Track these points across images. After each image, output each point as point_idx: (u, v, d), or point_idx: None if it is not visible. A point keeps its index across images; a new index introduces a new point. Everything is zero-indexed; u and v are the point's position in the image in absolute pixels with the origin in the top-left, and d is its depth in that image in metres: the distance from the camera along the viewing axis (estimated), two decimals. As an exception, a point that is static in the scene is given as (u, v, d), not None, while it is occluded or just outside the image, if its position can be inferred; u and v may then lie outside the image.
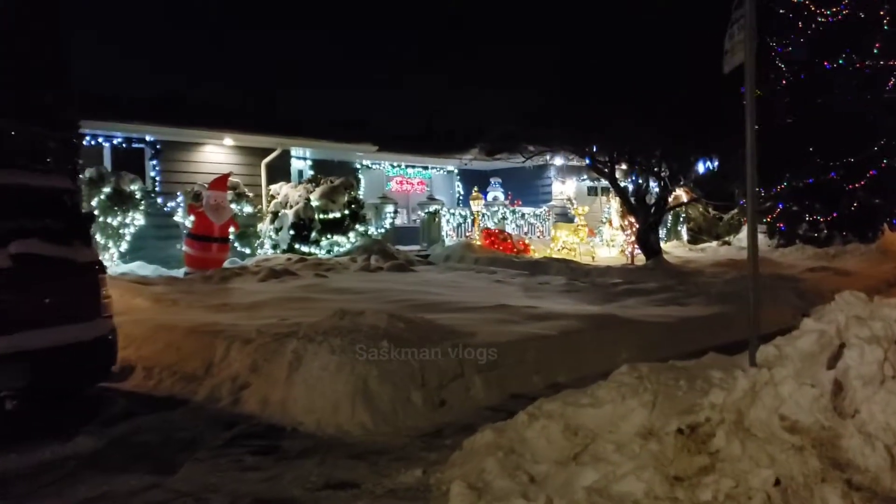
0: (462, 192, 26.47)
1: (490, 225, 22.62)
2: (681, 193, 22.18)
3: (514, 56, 16.86)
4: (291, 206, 16.29)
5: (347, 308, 7.37)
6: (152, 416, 5.70)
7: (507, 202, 24.71)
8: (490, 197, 25.12)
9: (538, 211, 24.30)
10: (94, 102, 15.01)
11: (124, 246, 14.40)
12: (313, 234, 16.14)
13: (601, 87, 14.29)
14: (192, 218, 14.35)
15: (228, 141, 17.10)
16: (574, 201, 23.10)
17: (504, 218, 22.86)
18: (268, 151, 17.88)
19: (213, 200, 14.17)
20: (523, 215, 23.70)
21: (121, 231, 14.23)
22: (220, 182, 14.50)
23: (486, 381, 6.49)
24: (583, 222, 19.38)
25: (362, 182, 22.42)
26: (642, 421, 3.92)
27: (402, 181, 23.95)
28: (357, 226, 16.91)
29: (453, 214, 21.58)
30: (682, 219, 27.94)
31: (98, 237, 13.94)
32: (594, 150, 15.75)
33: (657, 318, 9.09)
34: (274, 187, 17.20)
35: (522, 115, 16.39)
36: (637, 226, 16.17)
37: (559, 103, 15.08)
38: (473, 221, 19.43)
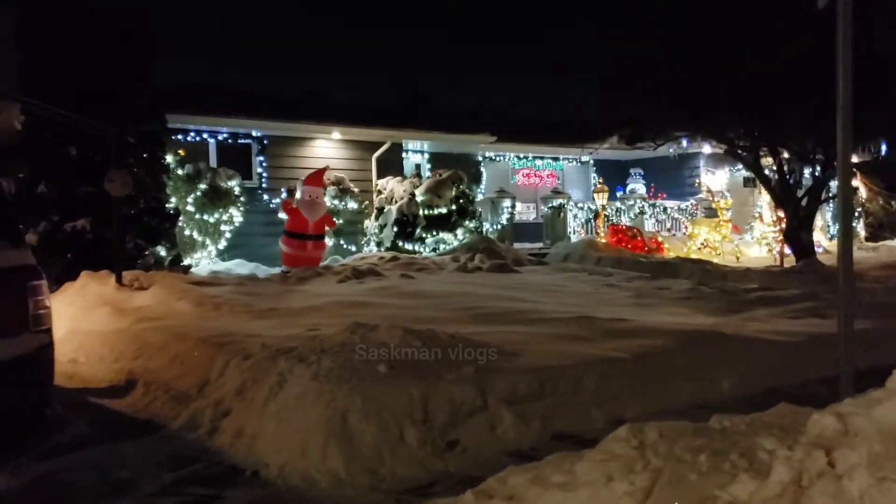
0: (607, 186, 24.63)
1: (625, 221, 20.74)
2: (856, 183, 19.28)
3: (647, 30, 15.02)
4: (396, 202, 15.43)
5: (364, 321, 6.22)
6: (103, 448, 4.85)
7: (647, 195, 22.69)
8: (629, 189, 23.19)
9: (683, 205, 22.06)
10: (199, 97, 14.90)
11: (223, 243, 14.12)
12: (418, 231, 15.18)
13: (738, 58, 12.20)
14: (289, 215, 13.81)
15: (336, 135, 16.52)
16: (723, 192, 20.64)
17: (642, 212, 20.89)
18: (378, 145, 17.16)
19: (308, 196, 13.56)
20: (665, 209, 21.58)
21: (219, 228, 13.95)
22: (316, 177, 13.87)
23: (520, 416, 5.12)
24: (725, 217, 17.09)
25: (484, 175, 21.28)
26: (627, 523, 2.51)
27: (529, 174, 22.52)
28: (466, 222, 15.77)
29: (581, 209, 19.94)
30: (858, 213, 24.51)
31: (195, 235, 13.73)
32: (732, 133, 13.54)
33: (781, 336, 7.28)
34: (381, 182, 16.44)
35: (656, 95, 14.51)
36: (785, 222, 13.84)
37: (690, 79, 13.08)
38: (596, 217, 17.71)
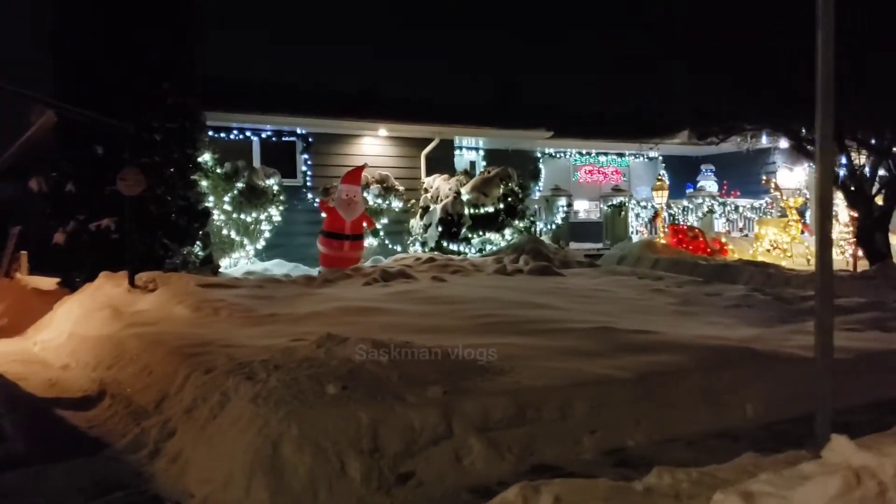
0: (668, 182, 23.38)
1: (693, 220, 19.56)
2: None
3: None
4: (441, 201, 14.86)
5: (365, 328, 5.69)
6: (28, 471, 4.45)
7: (720, 193, 21.39)
8: (698, 186, 21.94)
9: (757, 203, 20.65)
10: (240, 93, 14.71)
11: (262, 243, 13.87)
12: (463, 231, 14.57)
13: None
14: (326, 214, 13.42)
15: (383, 131, 16.07)
16: (800, 190, 19.15)
17: (711, 211, 19.66)
18: (427, 142, 16.63)
19: (345, 195, 13.14)
20: (737, 208, 20.26)
21: (258, 227, 13.70)
22: (354, 175, 13.43)
23: (493, 444, 4.47)
24: (795, 216, 15.76)
25: (542, 172, 20.47)
26: None
27: (591, 170, 21.56)
28: (515, 221, 15.05)
29: (645, 207, 18.89)
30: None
31: (233, 234, 13.52)
32: (797, 125, 12.28)
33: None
34: (428, 180, 15.89)
35: (721, 84, 13.35)
36: (858, 222, 12.50)
37: (756, 67, 11.93)
38: (655, 216, 16.66)
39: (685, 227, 15.41)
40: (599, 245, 17.61)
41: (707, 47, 12.84)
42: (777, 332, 7.36)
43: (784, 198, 16.47)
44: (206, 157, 12.96)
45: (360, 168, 13.80)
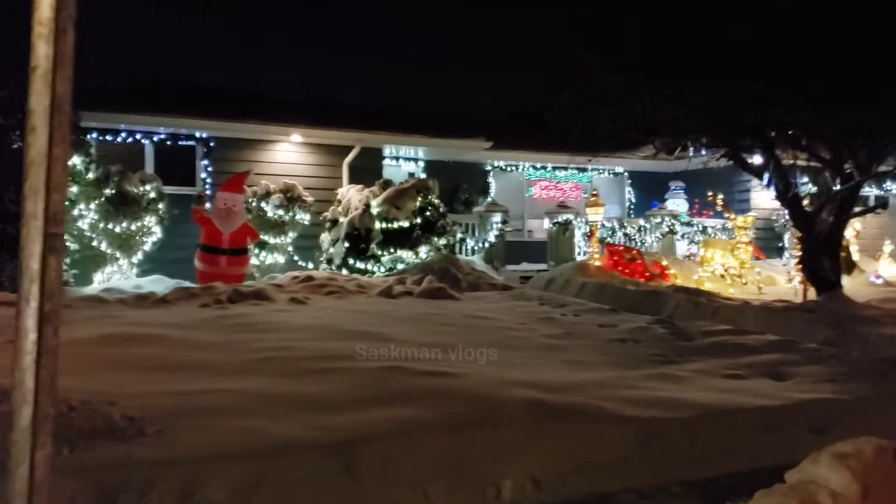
0: (634, 200, 21.77)
1: (651, 241, 17.88)
2: None
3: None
4: (350, 213, 13.35)
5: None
6: None
7: (691, 212, 19.71)
8: (668, 204, 20.26)
9: (729, 224, 18.89)
10: (129, 92, 13.35)
11: (139, 256, 12.41)
12: (372, 248, 13.03)
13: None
14: (202, 226, 11.92)
15: (296, 137, 14.62)
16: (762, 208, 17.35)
17: (671, 231, 17.97)
18: (348, 150, 15.16)
19: (223, 203, 11.67)
20: (704, 229, 18.54)
21: (138, 239, 12.25)
22: (234, 182, 11.97)
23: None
24: (745, 238, 14.03)
25: (493, 187, 18.92)
26: None
27: (547, 186, 19.98)
28: (435, 238, 13.48)
29: (604, 227, 17.25)
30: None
31: (103, 247, 12.07)
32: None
33: (656, 408, 4.74)
34: (341, 191, 14.38)
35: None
36: (802, 244, 10.68)
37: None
38: (590, 236, 15.02)
39: (622, 249, 13.76)
40: (544, 266, 16.00)
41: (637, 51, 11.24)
42: (630, 376, 5.76)
43: (732, 217, 14.75)
44: (74, 161, 11.57)
45: (243, 175, 12.34)
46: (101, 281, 12.05)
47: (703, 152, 13.45)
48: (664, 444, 4.49)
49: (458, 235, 14.94)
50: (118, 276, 12.14)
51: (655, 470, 4.32)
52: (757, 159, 11.61)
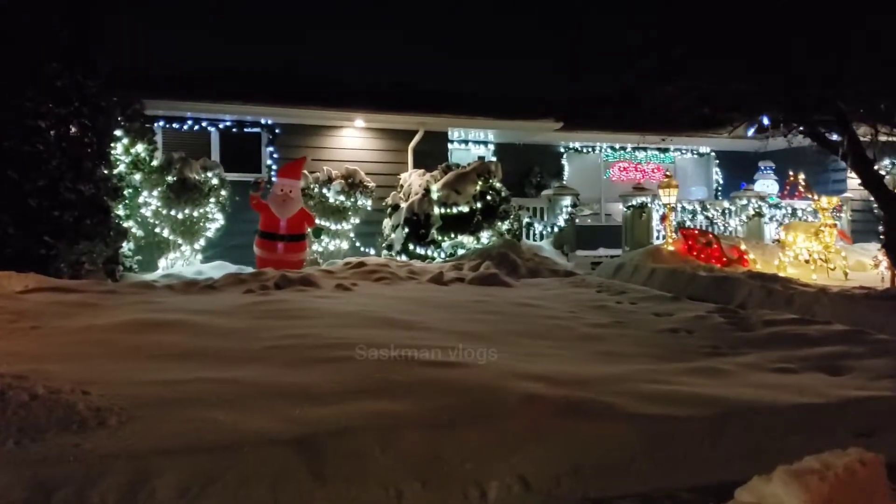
0: (721, 181, 20.63)
1: (735, 224, 16.87)
2: None
3: None
4: (411, 198, 13.11)
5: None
6: None
7: (781, 194, 18.52)
8: (756, 186, 19.12)
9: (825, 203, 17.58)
10: (195, 79, 13.51)
11: (201, 242, 12.55)
12: (431, 233, 12.75)
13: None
14: (260, 212, 11.92)
15: (360, 122, 14.49)
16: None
17: (758, 214, 16.91)
18: (413, 134, 14.91)
19: (280, 190, 11.63)
20: (794, 211, 17.36)
21: (200, 225, 12.39)
22: (291, 168, 11.90)
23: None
24: (829, 220, 12.91)
25: (566, 170, 18.29)
26: None
27: (626, 168, 19.14)
28: (497, 222, 13.08)
29: (684, 209, 16.43)
30: None
31: (166, 233, 12.27)
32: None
33: (678, 406, 4.26)
34: (404, 175, 14.15)
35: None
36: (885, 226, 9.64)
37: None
38: (663, 219, 14.22)
39: (696, 232, 12.92)
40: (619, 251, 15.32)
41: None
42: (665, 371, 5.24)
43: (816, 198, 13.63)
44: (138, 149, 11.81)
45: (300, 160, 12.26)
46: (164, 267, 12.27)
47: (781, 130, 12.45)
48: (680, 445, 4.03)
49: (525, 220, 14.47)
50: (181, 262, 12.33)
51: (667, 473, 3.89)
52: (836, 136, 10.61)
